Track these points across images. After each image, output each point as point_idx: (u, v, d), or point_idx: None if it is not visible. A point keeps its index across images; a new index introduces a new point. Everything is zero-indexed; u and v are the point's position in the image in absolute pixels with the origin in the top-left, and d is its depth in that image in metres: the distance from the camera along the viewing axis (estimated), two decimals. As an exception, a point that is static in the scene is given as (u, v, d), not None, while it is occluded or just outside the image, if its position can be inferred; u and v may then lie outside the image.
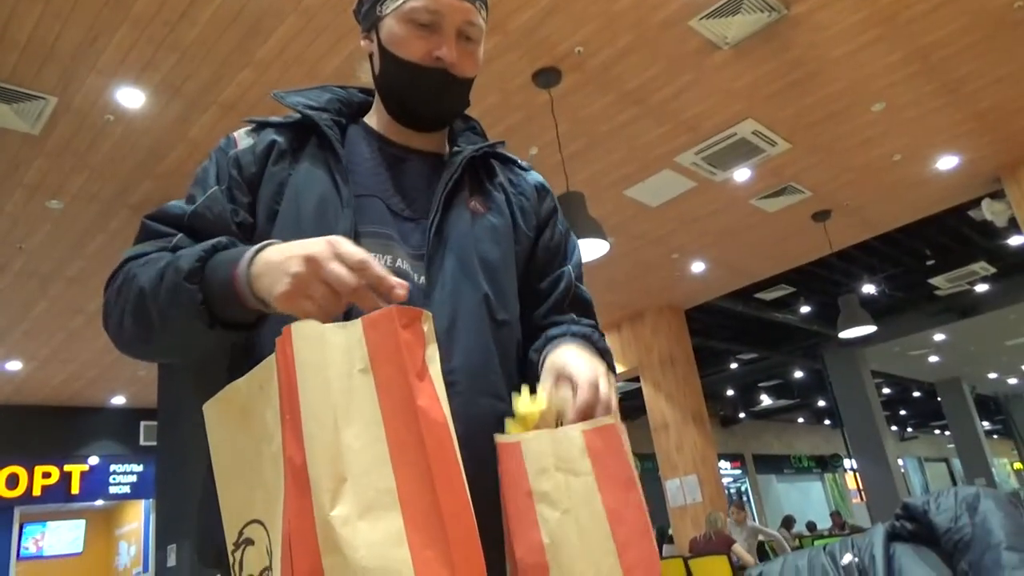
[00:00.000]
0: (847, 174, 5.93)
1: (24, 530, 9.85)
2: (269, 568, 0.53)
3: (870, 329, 6.88)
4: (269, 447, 0.54)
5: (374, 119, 1.11)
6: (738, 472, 18.01)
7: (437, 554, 0.47)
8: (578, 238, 4.25)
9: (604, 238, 4.31)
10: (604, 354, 1.00)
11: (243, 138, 1.04)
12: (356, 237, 0.93)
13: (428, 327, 0.54)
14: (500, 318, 0.98)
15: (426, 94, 1.03)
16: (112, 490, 9.30)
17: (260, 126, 1.05)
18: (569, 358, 0.87)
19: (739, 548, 5.96)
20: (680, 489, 7.78)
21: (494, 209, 1.08)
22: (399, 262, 0.96)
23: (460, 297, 0.95)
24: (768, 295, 9.48)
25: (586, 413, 0.78)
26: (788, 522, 11.59)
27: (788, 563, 0.95)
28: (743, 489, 18.09)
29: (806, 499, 19.65)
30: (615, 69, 4.25)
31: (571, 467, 0.73)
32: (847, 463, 19.33)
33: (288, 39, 3.66)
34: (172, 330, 0.83)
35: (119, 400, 9.12)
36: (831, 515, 13.79)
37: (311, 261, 0.69)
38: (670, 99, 4.61)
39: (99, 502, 9.57)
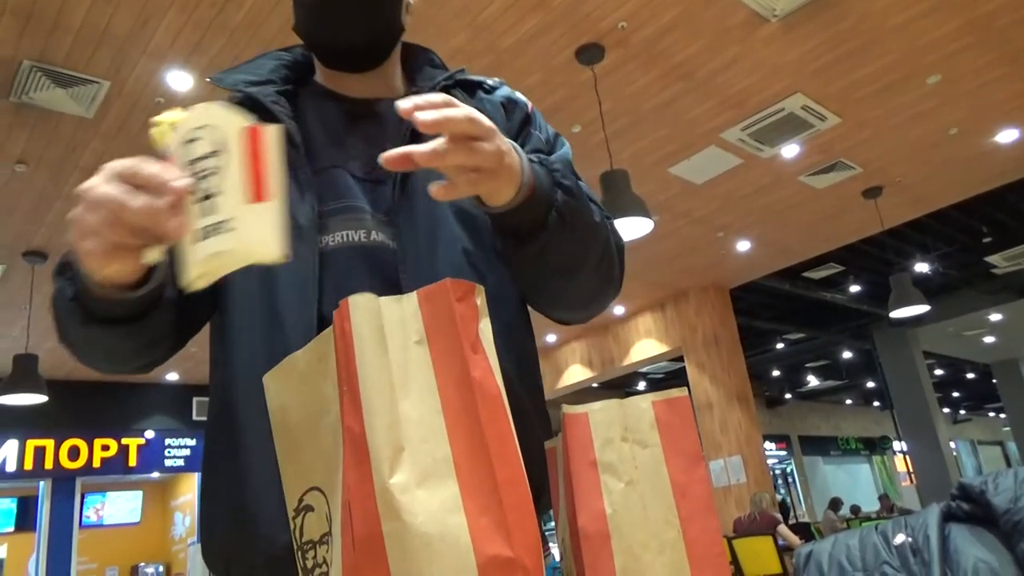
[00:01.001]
0: (900, 149, 5.76)
1: (85, 500, 10.25)
2: (329, 533, 0.55)
3: (923, 309, 6.70)
4: (327, 417, 0.56)
5: (319, 75, 1.03)
6: (783, 453, 17.82)
7: (492, 521, 0.49)
8: (622, 216, 4.23)
9: (648, 216, 4.28)
10: (561, 186, 0.81)
11: None
12: (322, 217, 0.88)
13: (481, 300, 0.55)
14: (483, 270, 0.90)
15: (330, 23, 0.94)
16: (167, 463, 9.61)
17: None
18: None
19: (785, 529, 5.91)
20: (724, 469, 7.73)
21: None
22: (373, 234, 0.89)
23: (437, 256, 0.87)
24: (816, 274, 9.30)
25: (420, 106, 0.65)
26: (835, 504, 11.44)
27: (839, 542, 0.94)
28: (788, 470, 17.91)
29: (854, 481, 19.36)
30: (659, 44, 4.18)
31: (639, 438, 0.73)
32: (897, 445, 18.97)
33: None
34: (66, 335, 0.80)
35: (173, 376, 9.40)
36: (879, 498, 13.58)
37: (80, 195, 0.60)
38: (716, 74, 4.53)
39: (155, 474, 9.91)
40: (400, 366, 0.52)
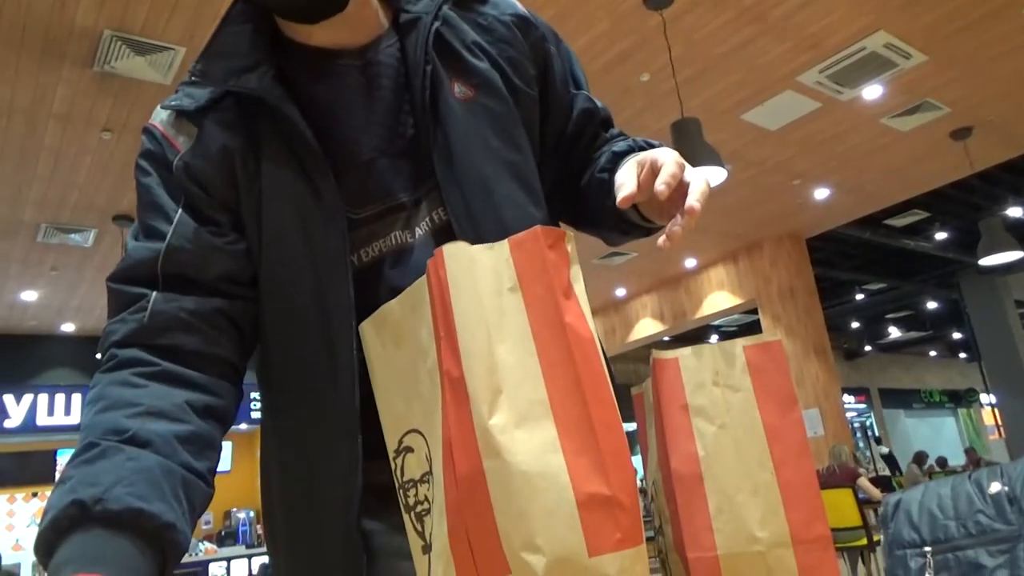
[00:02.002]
0: (992, 86, 5.41)
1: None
2: (429, 472, 0.58)
3: (1016, 255, 6.36)
4: (424, 363, 0.58)
5: (281, 25, 0.85)
6: (863, 406, 17.39)
7: (590, 460, 0.50)
8: (694, 166, 4.12)
9: (721, 165, 4.17)
10: None
11: (174, 133, 0.82)
12: (355, 228, 0.81)
13: (571, 247, 0.56)
14: (542, 217, 0.85)
15: None
16: (254, 415, 10.07)
17: (196, 113, 0.81)
18: (649, 153, 0.77)
19: (865, 482, 5.81)
20: (800, 422, 7.62)
21: (482, 86, 0.85)
22: (409, 234, 0.82)
23: (505, 222, 0.79)
24: (899, 221, 8.91)
25: (668, 183, 0.71)
26: (920, 458, 11.15)
27: (930, 490, 0.92)
28: (868, 424, 17.49)
29: (937, 435, 18.78)
30: (732, -16, 4.02)
31: (730, 382, 0.73)
32: (984, 398, 18.26)
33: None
34: None
35: (254, 335, 9.80)
36: (966, 451, 13.16)
37: None
38: (791, 14, 4.32)
39: (243, 425, 10.41)
40: (495, 312, 0.53)
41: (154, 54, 4.03)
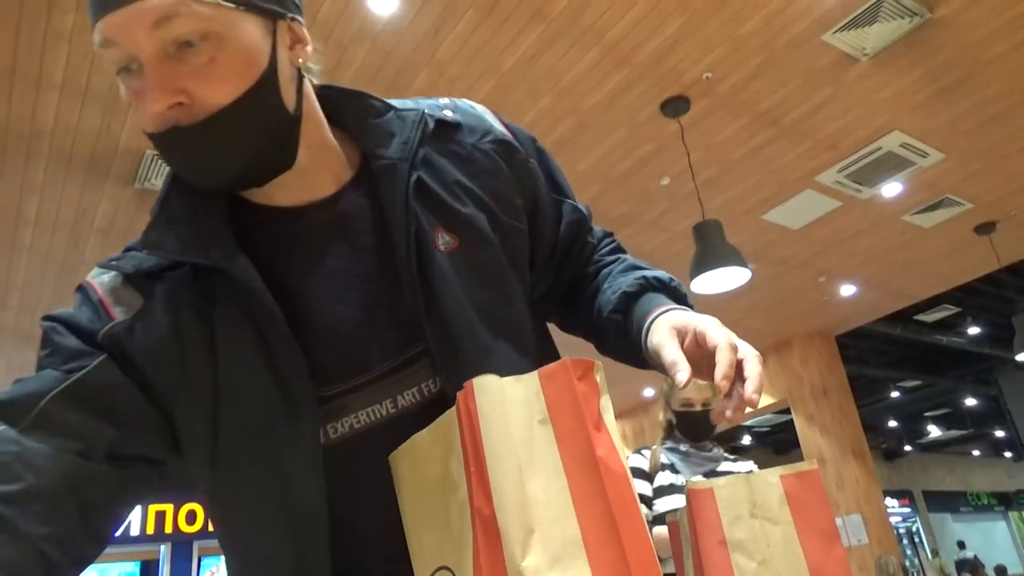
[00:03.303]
0: (1014, 180, 5.44)
1: (202, 563, 10.60)
2: (460, 614, 0.55)
3: (1054, 350, 6.21)
4: (455, 496, 0.56)
5: (248, 192, 0.75)
6: (907, 511, 16.62)
7: (626, 605, 0.48)
8: (717, 267, 4.15)
9: (744, 265, 4.18)
10: (684, 299, 0.84)
11: (113, 300, 0.70)
12: (324, 403, 0.70)
13: (601, 377, 0.55)
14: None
15: (188, 167, 0.67)
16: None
17: (146, 277, 0.70)
18: (691, 322, 0.76)
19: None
20: (843, 529, 7.25)
21: (467, 234, 0.76)
22: (391, 404, 0.71)
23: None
24: (929, 317, 8.79)
25: (728, 375, 0.70)
26: (975, 568, 10.51)
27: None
28: (914, 529, 16.66)
29: (988, 540, 17.79)
30: (746, 92, 4.15)
31: (769, 515, 0.70)
32: (1035, 499, 17.40)
33: (422, 93, 3.85)
34: None
35: (279, 441, 9.73)
36: None
37: None
38: (806, 117, 4.44)
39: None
40: (526, 446, 0.52)
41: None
